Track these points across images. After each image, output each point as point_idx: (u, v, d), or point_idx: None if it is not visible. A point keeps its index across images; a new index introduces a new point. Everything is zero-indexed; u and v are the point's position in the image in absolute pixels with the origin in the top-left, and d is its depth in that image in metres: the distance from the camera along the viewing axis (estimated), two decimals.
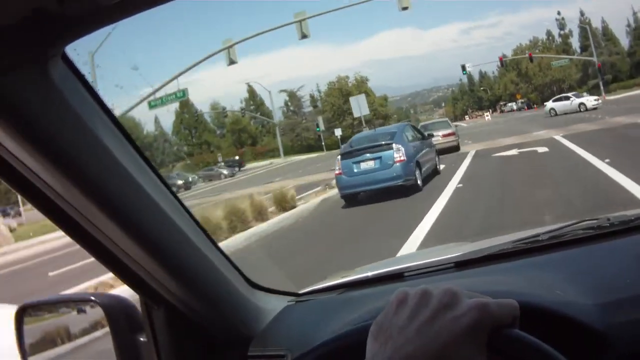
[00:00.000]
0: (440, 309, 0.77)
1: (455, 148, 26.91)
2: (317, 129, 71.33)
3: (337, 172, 16.18)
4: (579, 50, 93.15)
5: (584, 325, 1.06)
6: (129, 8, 0.85)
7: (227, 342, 1.44)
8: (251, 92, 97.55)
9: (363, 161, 15.69)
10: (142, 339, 1.43)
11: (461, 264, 1.54)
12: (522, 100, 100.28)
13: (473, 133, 42.61)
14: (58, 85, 0.90)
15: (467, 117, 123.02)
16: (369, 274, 1.70)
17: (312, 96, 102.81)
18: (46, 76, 0.88)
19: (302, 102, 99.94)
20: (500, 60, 62.64)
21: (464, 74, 54.20)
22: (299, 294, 1.69)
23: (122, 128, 1.07)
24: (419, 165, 15.97)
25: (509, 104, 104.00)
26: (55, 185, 1.00)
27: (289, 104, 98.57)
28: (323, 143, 76.97)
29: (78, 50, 0.97)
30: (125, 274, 1.25)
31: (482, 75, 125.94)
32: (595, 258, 1.40)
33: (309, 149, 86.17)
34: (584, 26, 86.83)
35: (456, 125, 33.43)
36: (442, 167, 19.75)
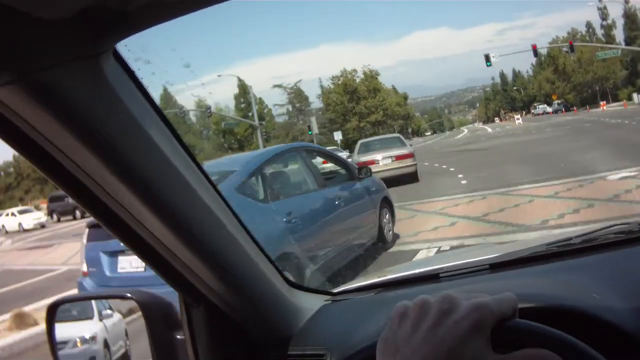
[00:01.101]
0: (440, 315, 0.80)
1: (412, 176, 19.73)
2: (310, 132, 62.86)
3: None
4: (623, 44, 76.28)
5: (620, 329, 1.06)
6: (188, 5, 0.85)
7: (265, 341, 1.44)
8: (242, 87, 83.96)
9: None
10: (179, 336, 1.43)
11: (495, 266, 1.54)
12: (559, 102, 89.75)
13: (480, 159, 26.16)
14: (108, 81, 0.89)
15: (497, 119, 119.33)
16: (404, 273, 1.71)
17: (323, 89, 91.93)
18: (97, 71, 0.87)
19: (306, 99, 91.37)
20: (534, 49, 48.69)
21: (487, 65, 45.61)
22: (335, 293, 1.69)
23: (171, 126, 1.07)
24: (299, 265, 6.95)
25: (540, 106, 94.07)
26: (100, 180, 0.99)
27: (294, 101, 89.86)
28: None
29: (129, 46, 0.95)
30: (166, 271, 1.24)
31: (516, 74, 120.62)
32: (628, 262, 1.40)
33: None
34: (632, 14, 76.76)
35: (411, 145, 24.17)
36: (389, 231, 10.27)
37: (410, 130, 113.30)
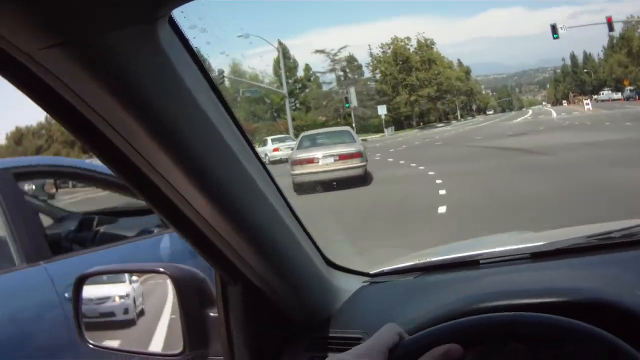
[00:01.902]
0: None
1: (360, 179, 16.27)
2: (347, 105, 58.08)
3: None
4: None
5: None
6: None
7: (302, 322, 1.41)
8: (283, 50, 72.09)
9: None
10: (212, 314, 1.42)
11: (536, 255, 1.52)
12: (631, 88, 77.30)
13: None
14: (163, 48, 0.86)
15: (565, 102, 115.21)
16: (443, 258, 1.69)
17: (373, 57, 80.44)
18: (152, 38, 0.84)
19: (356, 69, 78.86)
20: (609, 22, 42.82)
21: (554, 37, 37.99)
22: (372, 274, 1.65)
23: (222, 97, 1.04)
24: None
25: (605, 92, 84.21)
26: (143, 151, 0.96)
27: (346, 70, 77.68)
28: (353, 124, 58.05)
29: (185, 13, 0.92)
30: (205, 247, 1.21)
31: (587, 57, 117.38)
32: None
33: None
34: None
35: (364, 140, 22.76)
36: None
37: (474, 107, 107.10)
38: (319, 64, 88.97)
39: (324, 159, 16.15)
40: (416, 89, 76.98)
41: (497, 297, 1.23)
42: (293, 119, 60.78)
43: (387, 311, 1.40)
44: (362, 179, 16.31)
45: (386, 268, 1.67)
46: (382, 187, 16.30)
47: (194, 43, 0.95)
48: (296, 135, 48.54)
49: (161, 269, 1.45)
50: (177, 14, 0.89)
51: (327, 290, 1.44)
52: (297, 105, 75.11)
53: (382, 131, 58.25)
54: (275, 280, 1.28)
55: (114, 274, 1.66)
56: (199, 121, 0.96)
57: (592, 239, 1.52)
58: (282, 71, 62.98)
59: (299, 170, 15.95)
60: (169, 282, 1.43)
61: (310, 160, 16.10)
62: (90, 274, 1.61)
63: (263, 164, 1.17)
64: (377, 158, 25.50)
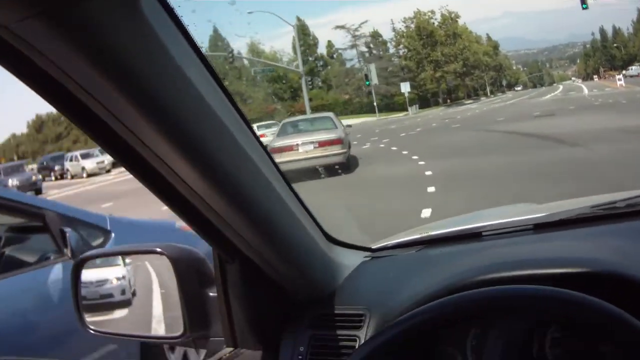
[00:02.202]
0: None
1: (343, 167, 15.97)
2: (367, 83, 53.96)
3: None
4: None
5: None
6: None
7: (302, 298, 1.40)
8: (301, 28, 69.11)
9: None
10: (211, 293, 1.40)
11: (539, 226, 1.51)
12: None
13: None
14: (145, 16, 0.83)
15: (596, 77, 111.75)
16: (446, 230, 1.68)
17: (396, 32, 74.84)
18: (132, 6, 0.81)
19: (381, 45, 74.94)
20: None
21: (584, 7, 37.02)
22: (374, 249, 1.63)
23: (210, 66, 0.99)
24: None
25: (634, 67, 75.21)
26: (133, 126, 0.93)
27: (371, 46, 73.65)
28: (375, 102, 56.54)
29: None
30: (201, 225, 1.19)
31: (616, 31, 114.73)
32: None
33: (362, 108, 63.49)
34: None
35: (349, 126, 20.89)
36: None
37: (505, 82, 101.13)
38: (340, 41, 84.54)
39: (304, 146, 15.74)
40: (441, 65, 72.70)
41: (499, 268, 1.22)
42: (310, 99, 56.14)
43: (389, 286, 1.39)
44: (346, 168, 15.86)
45: (388, 242, 1.65)
46: (363, 189, 13.65)
47: (180, 12, 0.91)
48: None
49: (159, 249, 1.42)
50: None
51: (328, 266, 1.41)
52: (319, 83, 71.86)
53: (407, 109, 56.96)
54: (274, 257, 1.26)
55: (113, 256, 1.64)
56: (188, 92, 0.93)
57: (596, 209, 1.50)
58: (297, 48, 59.64)
59: (277, 158, 15.46)
60: (147, 263, 1.41)
61: (290, 148, 15.63)
62: (89, 257, 1.60)
63: (258, 140, 1.14)
64: (382, 146, 23.07)
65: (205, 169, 1.01)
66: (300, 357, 1.35)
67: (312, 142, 15.78)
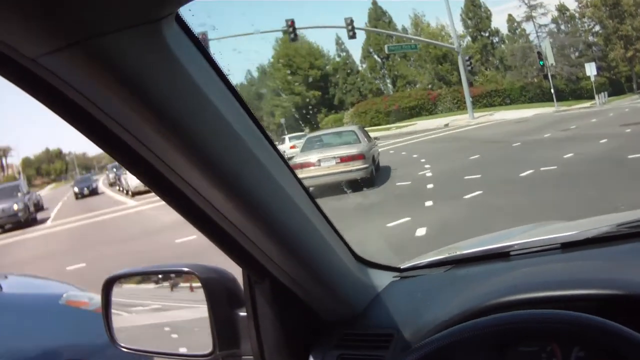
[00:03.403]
0: None
1: (368, 182, 15.34)
2: (540, 63, 42.82)
3: None
4: None
5: None
6: None
7: (331, 319, 1.41)
8: None
9: None
10: (241, 313, 1.41)
11: (566, 245, 1.50)
12: None
13: None
14: (171, 48, 0.84)
15: None
16: (474, 250, 1.67)
17: (579, 1, 56.31)
18: (158, 38, 0.82)
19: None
20: None
21: None
22: (402, 269, 1.63)
23: (237, 93, 1.01)
24: None
25: None
26: (161, 153, 0.95)
27: (558, 21, 56.98)
28: (552, 88, 41.77)
29: (193, 11, 0.88)
30: (231, 247, 1.20)
31: None
32: None
33: (544, 95, 48.24)
34: None
35: (376, 139, 19.86)
36: None
37: None
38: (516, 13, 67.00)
39: (325, 162, 15.49)
40: (633, 41, 55.22)
41: (527, 289, 1.22)
42: (470, 84, 44.07)
43: (417, 307, 1.39)
44: (370, 183, 15.41)
45: (416, 262, 1.66)
46: None
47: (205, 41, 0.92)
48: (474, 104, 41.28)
49: (189, 270, 1.44)
50: (185, 12, 0.87)
51: (357, 286, 1.42)
52: (497, 64, 58.40)
53: (593, 97, 42.22)
54: (303, 278, 1.27)
55: (142, 275, 1.64)
56: (215, 120, 0.94)
57: (622, 227, 1.49)
58: (449, 17, 50.44)
59: (300, 174, 15.38)
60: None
61: (311, 164, 15.45)
62: (119, 277, 1.61)
63: (285, 161, 1.15)
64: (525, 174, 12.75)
65: (233, 193, 1.03)
66: None
67: (333, 158, 15.53)
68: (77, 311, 4.28)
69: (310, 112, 61.58)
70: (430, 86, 56.09)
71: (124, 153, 0.97)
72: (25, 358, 3.98)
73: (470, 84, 46.13)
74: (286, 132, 67.91)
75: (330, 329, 1.41)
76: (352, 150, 15.76)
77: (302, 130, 56.10)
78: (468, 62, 41.77)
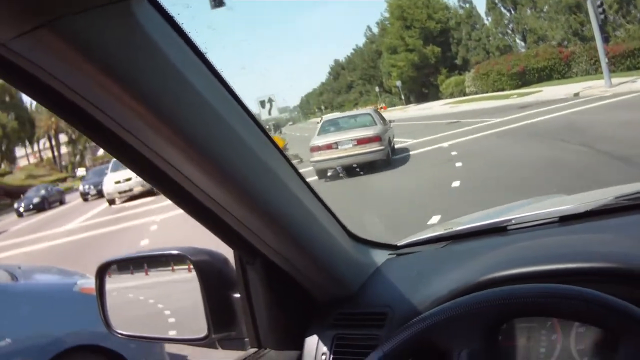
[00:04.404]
0: None
1: (384, 163, 15.75)
2: None
3: None
4: None
5: None
6: None
7: (325, 298, 1.39)
8: None
9: None
10: (235, 295, 1.40)
11: (565, 219, 1.49)
12: None
13: None
14: (143, 27, 0.82)
15: None
16: (471, 225, 1.66)
17: None
18: (128, 16, 0.80)
19: None
20: None
21: None
22: (398, 246, 1.62)
23: (216, 71, 0.98)
24: None
25: None
26: (141, 134, 0.93)
27: None
28: None
29: None
30: (220, 228, 1.19)
31: None
32: None
33: None
34: None
35: (391, 121, 19.31)
36: None
37: None
38: None
39: (342, 144, 15.83)
40: None
41: (523, 263, 1.21)
42: (606, 40, 32.09)
43: (412, 284, 1.38)
44: (387, 163, 15.82)
45: (412, 239, 1.65)
46: None
47: (180, 20, 0.89)
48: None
49: (182, 253, 1.43)
50: None
51: (351, 264, 1.40)
52: None
53: None
54: (295, 257, 1.26)
55: (136, 260, 1.61)
56: (192, 98, 0.92)
57: (621, 200, 1.48)
58: None
59: (317, 157, 15.92)
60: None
61: (328, 146, 15.84)
62: (111, 263, 1.59)
63: (272, 141, 1.13)
64: None
65: (217, 173, 1.01)
66: (323, 356, 1.34)
67: (350, 140, 15.80)
68: (91, 297, 4.26)
69: (430, 72, 56.31)
70: (565, 42, 44.71)
71: (104, 137, 0.95)
72: (39, 343, 4.08)
73: (607, 40, 33.54)
74: (402, 97, 62.71)
75: (326, 309, 1.40)
76: (369, 132, 15.93)
77: (424, 94, 54.00)
78: (600, 9, 28.44)
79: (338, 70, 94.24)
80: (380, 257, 1.53)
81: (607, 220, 1.43)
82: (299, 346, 1.39)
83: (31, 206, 35.89)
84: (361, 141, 15.62)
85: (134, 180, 23.93)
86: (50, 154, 74.25)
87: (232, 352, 1.47)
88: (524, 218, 1.56)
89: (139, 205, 22.05)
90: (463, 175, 11.78)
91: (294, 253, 1.25)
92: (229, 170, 1.02)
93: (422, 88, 59.16)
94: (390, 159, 16.29)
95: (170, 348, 4.67)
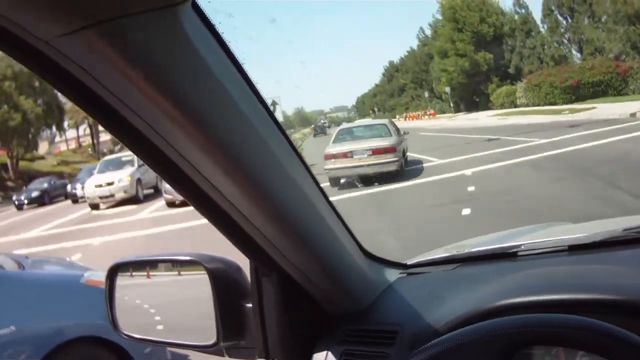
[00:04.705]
0: None
1: (396, 173, 15.66)
2: None
3: None
4: None
5: None
6: None
7: (336, 313, 1.40)
8: None
9: None
10: (246, 305, 1.40)
11: (573, 248, 1.50)
12: None
13: None
14: (186, 34, 0.83)
15: None
16: (481, 249, 1.67)
17: None
18: (173, 23, 0.81)
19: None
20: None
21: None
22: (408, 265, 1.63)
23: (251, 82, 1.00)
24: None
25: None
26: (172, 139, 0.94)
27: None
28: None
29: None
30: (240, 238, 1.20)
31: None
32: None
33: None
34: None
35: (406, 133, 19.12)
36: None
37: None
38: None
39: (357, 154, 15.88)
40: None
41: (533, 291, 1.22)
42: None
43: (422, 304, 1.38)
44: (400, 175, 15.67)
45: (423, 259, 1.66)
46: None
47: (220, 28, 0.92)
48: None
49: (196, 259, 1.44)
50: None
51: (364, 281, 1.41)
52: None
53: None
54: (311, 271, 1.26)
55: (147, 264, 1.62)
56: (227, 107, 0.93)
57: (629, 232, 1.49)
58: None
59: (331, 165, 15.95)
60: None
61: (344, 155, 15.89)
62: (124, 264, 1.61)
63: (299, 154, 1.14)
64: None
65: (244, 184, 1.02)
66: None
67: (365, 150, 15.85)
68: (97, 290, 4.25)
69: (480, 80, 52.26)
70: (623, 56, 40.85)
71: (134, 139, 0.96)
72: (42, 333, 4.10)
73: None
74: (451, 104, 57.49)
75: (336, 324, 1.41)
76: (384, 143, 15.97)
77: (474, 102, 50.13)
78: None
79: (392, 72, 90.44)
80: (391, 275, 1.54)
81: (614, 252, 1.44)
82: (308, 359, 1.39)
83: (29, 200, 34.52)
84: (376, 151, 15.69)
85: (117, 186, 22.80)
86: (90, 141, 74.06)
87: None
88: (534, 245, 1.57)
89: (117, 214, 20.23)
90: (468, 228, 8.79)
91: (310, 267, 1.26)
92: (257, 182, 1.03)
93: (472, 96, 55.79)
94: (404, 170, 16.24)
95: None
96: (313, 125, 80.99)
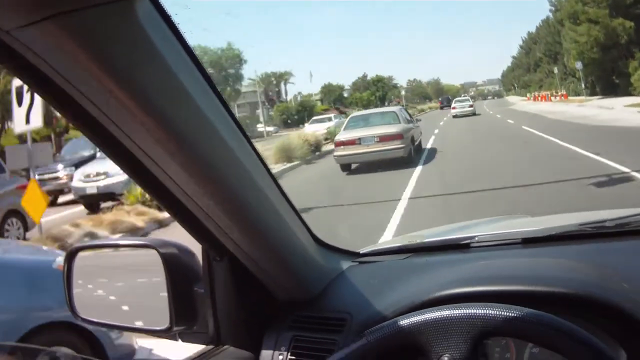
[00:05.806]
0: None
1: (405, 160, 15.89)
2: None
3: None
4: None
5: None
6: None
7: (287, 300, 1.41)
8: None
9: None
10: (199, 290, 1.41)
11: (527, 241, 1.51)
12: None
13: None
14: (142, 25, 0.85)
15: None
16: (434, 239, 1.68)
17: None
18: (130, 15, 0.83)
19: None
20: None
21: None
22: (361, 254, 1.64)
23: (204, 71, 1.02)
24: None
25: None
26: (126, 127, 0.95)
27: None
28: None
29: None
30: (191, 223, 1.21)
31: None
32: None
33: None
34: None
35: (418, 120, 19.92)
36: None
37: None
38: None
39: (365, 140, 16.26)
40: None
41: (481, 282, 1.23)
42: None
43: (372, 292, 1.40)
44: (408, 161, 15.98)
45: (376, 248, 1.67)
46: None
47: (177, 20, 0.93)
48: None
49: (150, 243, 1.44)
50: None
51: (314, 269, 1.43)
52: None
53: None
54: (260, 257, 1.28)
55: (104, 248, 1.63)
56: (181, 97, 0.95)
57: (584, 227, 1.51)
58: None
59: (340, 151, 16.40)
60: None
61: (352, 142, 16.29)
62: (81, 248, 1.60)
63: (250, 142, 1.16)
64: None
65: (195, 170, 1.04)
66: (280, 356, 1.37)
67: (372, 137, 16.22)
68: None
69: (619, 55, 40.37)
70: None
71: (91, 129, 0.98)
72: (13, 318, 4.08)
73: None
74: (584, 85, 44.02)
75: (286, 310, 1.42)
76: (391, 129, 16.36)
77: (613, 84, 41.11)
78: None
79: (530, 44, 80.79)
80: (342, 263, 1.55)
81: (568, 246, 1.46)
82: (258, 345, 1.41)
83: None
84: (383, 138, 16.04)
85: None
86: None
87: (193, 345, 1.49)
88: (487, 237, 1.58)
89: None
90: None
91: (259, 253, 1.27)
92: (207, 168, 1.05)
93: (611, 76, 42.91)
94: (412, 156, 16.59)
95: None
96: (440, 99, 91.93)
